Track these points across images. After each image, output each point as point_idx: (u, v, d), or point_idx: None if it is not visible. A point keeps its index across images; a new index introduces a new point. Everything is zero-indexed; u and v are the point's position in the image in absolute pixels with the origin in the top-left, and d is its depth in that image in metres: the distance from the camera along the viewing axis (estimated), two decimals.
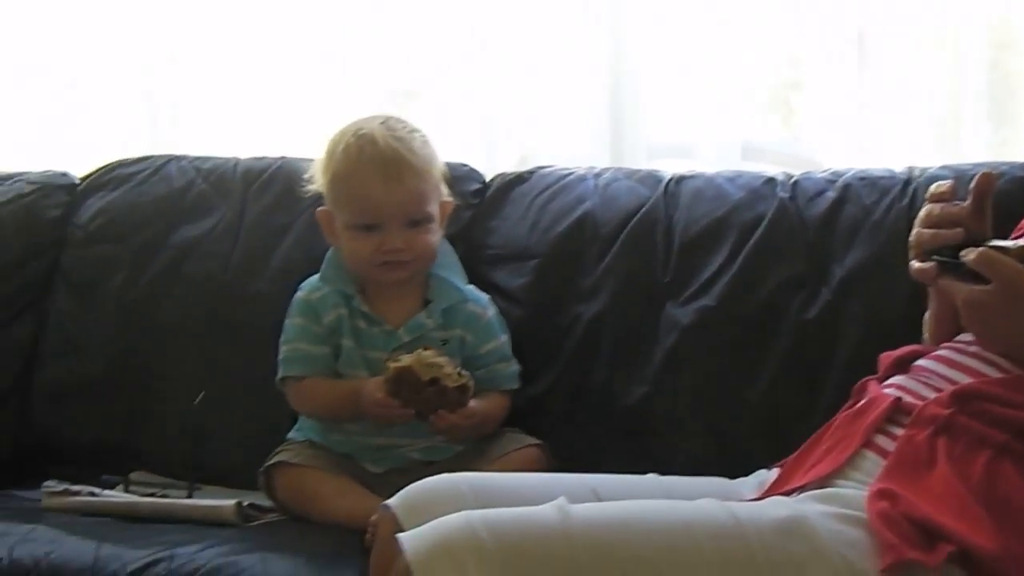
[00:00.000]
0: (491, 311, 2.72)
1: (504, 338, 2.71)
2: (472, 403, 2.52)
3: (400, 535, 1.74)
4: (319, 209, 2.70)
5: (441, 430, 2.53)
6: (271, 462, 2.61)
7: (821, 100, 3.39)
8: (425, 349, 2.50)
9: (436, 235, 2.65)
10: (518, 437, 2.62)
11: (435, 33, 3.46)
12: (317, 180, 2.68)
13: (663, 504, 1.84)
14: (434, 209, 2.63)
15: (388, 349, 2.58)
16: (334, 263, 2.70)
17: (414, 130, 2.64)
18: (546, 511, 1.75)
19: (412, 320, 2.64)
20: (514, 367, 2.71)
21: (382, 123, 2.62)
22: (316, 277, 2.71)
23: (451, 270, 2.72)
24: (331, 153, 2.63)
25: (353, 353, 2.63)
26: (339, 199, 2.63)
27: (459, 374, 2.49)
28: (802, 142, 3.50)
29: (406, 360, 2.46)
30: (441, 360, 2.48)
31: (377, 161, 2.57)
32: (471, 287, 2.74)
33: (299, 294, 2.70)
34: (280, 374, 2.68)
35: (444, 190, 2.69)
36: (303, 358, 2.66)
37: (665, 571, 1.70)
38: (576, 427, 2.73)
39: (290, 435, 2.71)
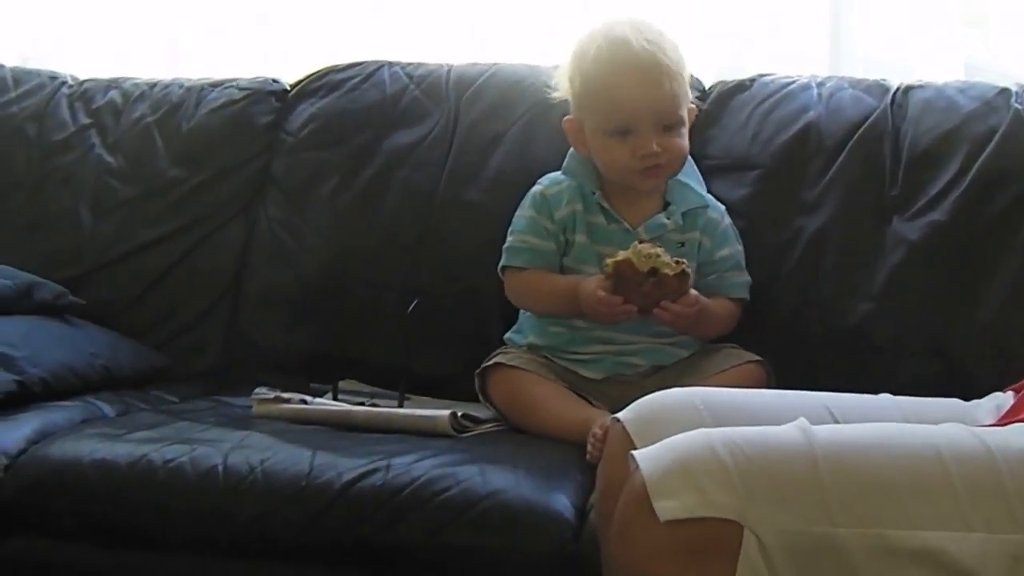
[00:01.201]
0: (727, 220, 2.68)
1: (739, 247, 2.67)
2: (694, 292, 2.49)
3: (635, 452, 1.68)
4: (565, 118, 2.66)
5: (666, 321, 2.49)
6: (488, 363, 2.60)
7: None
8: (640, 243, 2.47)
9: (686, 139, 2.60)
10: (737, 353, 2.57)
11: None
12: (563, 87, 2.65)
13: (908, 428, 1.76)
14: (685, 113, 2.59)
15: (626, 246, 2.54)
16: (578, 158, 2.67)
17: (663, 32, 2.58)
18: (789, 432, 1.68)
19: (652, 220, 2.61)
20: (746, 278, 2.66)
21: (632, 26, 2.56)
22: (558, 172, 2.68)
23: (690, 177, 2.68)
24: (580, 58, 2.59)
25: (586, 248, 2.61)
26: (591, 105, 2.58)
27: (676, 262, 2.45)
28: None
29: (623, 254, 2.44)
30: (658, 250, 2.45)
31: (632, 64, 2.53)
32: (709, 195, 2.69)
33: (536, 187, 2.68)
34: (502, 262, 2.67)
35: (690, 95, 2.63)
36: (528, 250, 2.64)
37: (911, 497, 1.63)
38: (796, 343, 2.66)
39: (508, 336, 2.70)
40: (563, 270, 2.63)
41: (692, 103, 2.63)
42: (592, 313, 2.51)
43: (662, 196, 2.64)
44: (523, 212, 2.67)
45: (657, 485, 1.62)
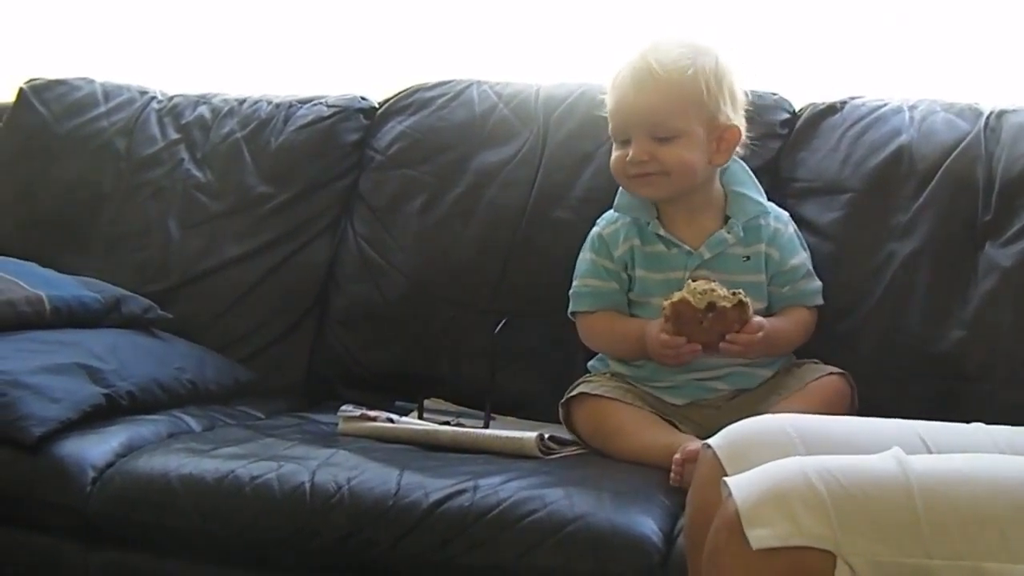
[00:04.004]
0: (792, 226, 2.67)
1: (806, 254, 2.66)
2: (757, 318, 2.47)
3: (728, 479, 1.66)
4: None
5: (735, 354, 2.48)
6: (572, 394, 2.58)
7: None
8: (693, 281, 2.46)
9: (693, 152, 2.55)
10: (819, 367, 2.55)
11: None
12: None
13: (1004, 459, 1.74)
14: (687, 125, 2.53)
15: (689, 269, 2.56)
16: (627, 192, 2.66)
17: (686, 51, 2.56)
18: (884, 462, 1.66)
19: (713, 237, 2.59)
20: (818, 283, 2.65)
21: (657, 41, 2.59)
22: (612, 211, 2.68)
23: (748, 186, 2.66)
24: None
25: (647, 281, 2.60)
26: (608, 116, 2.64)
27: (732, 294, 2.44)
28: None
29: (679, 294, 2.43)
30: (712, 284, 2.44)
31: (629, 73, 2.57)
32: (771, 203, 2.67)
33: (594, 229, 2.68)
34: (570, 309, 2.67)
35: (728, 114, 2.57)
36: (591, 294, 2.64)
37: (1009, 530, 1.61)
38: (886, 370, 2.63)
39: (591, 364, 2.69)
40: (630, 305, 2.62)
41: (734, 124, 2.57)
42: (659, 357, 2.51)
43: (721, 211, 2.63)
44: (583, 255, 2.67)
45: (750, 513, 1.60)
